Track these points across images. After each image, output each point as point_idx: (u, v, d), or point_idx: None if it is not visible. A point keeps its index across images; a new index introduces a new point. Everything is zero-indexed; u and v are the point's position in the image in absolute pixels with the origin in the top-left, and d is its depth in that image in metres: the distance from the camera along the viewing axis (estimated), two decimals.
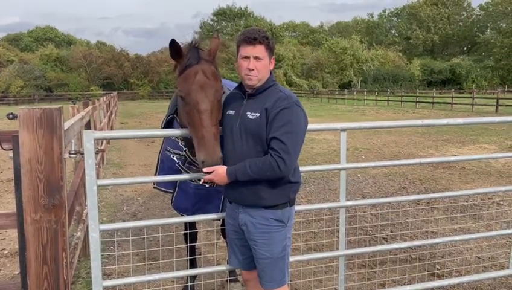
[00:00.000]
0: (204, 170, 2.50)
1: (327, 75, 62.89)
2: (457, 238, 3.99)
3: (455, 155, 10.76)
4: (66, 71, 57.50)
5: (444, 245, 4.87)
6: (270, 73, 2.58)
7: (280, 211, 2.57)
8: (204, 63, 2.61)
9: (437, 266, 4.41)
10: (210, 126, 2.51)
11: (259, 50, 2.46)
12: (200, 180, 3.04)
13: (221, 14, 73.51)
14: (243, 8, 73.88)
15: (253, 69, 2.46)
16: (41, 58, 58.29)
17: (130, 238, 3.75)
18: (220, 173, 2.51)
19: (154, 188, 3.68)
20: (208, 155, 2.48)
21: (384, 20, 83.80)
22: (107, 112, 15.00)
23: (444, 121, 3.59)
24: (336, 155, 11.01)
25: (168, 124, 3.30)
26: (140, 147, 13.18)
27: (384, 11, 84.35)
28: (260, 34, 2.47)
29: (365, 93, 43.79)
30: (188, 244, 3.61)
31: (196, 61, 2.59)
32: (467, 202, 6.54)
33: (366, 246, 4.77)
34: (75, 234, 3.99)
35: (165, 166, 3.46)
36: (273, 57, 2.58)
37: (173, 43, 2.58)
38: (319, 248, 4.85)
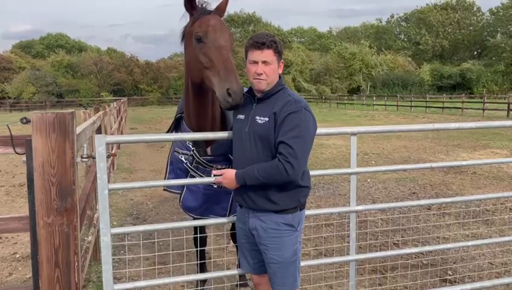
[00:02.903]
0: (214, 172, 2.52)
1: (336, 80, 62.76)
2: (469, 243, 3.93)
3: (466, 160, 10.64)
4: (77, 77, 58.06)
5: (456, 251, 4.82)
6: (280, 77, 2.59)
7: (290, 216, 2.56)
8: (215, 14, 2.93)
9: (449, 272, 4.36)
10: (229, 60, 2.66)
11: (267, 54, 2.48)
12: (210, 174, 3.10)
13: (230, 20, 73.91)
14: (251, 14, 74.23)
15: (261, 73, 2.47)
16: (52, 65, 58.96)
17: (141, 242, 3.77)
18: (228, 176, 2.53)
19: (164, 190, 3.71)
20: (233, 82, 2.57)
21: (393, 25, 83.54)
22: (117, 117, 15.13)
23: (455, 125, 3.56)
24: (345, 160, 10.97)
25: (177, 123, 3.44)
26: (150, 152, 13.25)
27: (392, 16, 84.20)
28: (268, 39, 2.48)
29: (374, 98, 43.59)
30: (198, 249, 3.62)
31: (208, 12, 2.91)
32: (478, 207, 6.46)
33: (376, 251, 4.73)
34: (86, 238, 4.02)
35: (174, 167, 3.50)
36: (282, 60, 2.59)
37: None
38: (329, 253, 4.82)
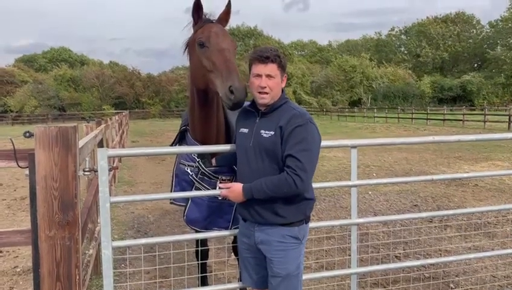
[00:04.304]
0: (221, 185, 2.54)
1: (337, 93, 62.96)
2: (471, 256, 3.92)
3: (467, 172, 10.62)
4: (79, 91, 58.29)
5: (458, 263, 4.79)
6: (282, 90, 2.62)
7: (297, 229, 2.57)
8: (217, 23, 3.05)
9: (451, 285, 4.33)
10: (231, 60, 2.72)
11: (271, 68, 2.51)
12: (215, 186, 3.12)
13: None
14: (252, 28, 74.70)
15: (265, 87, 2.50)
16: (55, 79, 59.19)
17: (142, 255, 3.76)
18: (235, 190, 2.53)
19: (171, 203, 3.71)
20: (235, 80, 2.62)
21: (393, 38, 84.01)
22: (119, 130, 15.16)
23: (456, 137, 3.57)
24: (346, 173, 10.95)
25: (181, 135, 3.47)
26: (151, 165, 13.26)
27: (392, 29, 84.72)
28: (272, 53, 2.52)
29: (375, 110, 43.66)
30: (199, 262, 3.61)
31: (210, 22, 3.04)
32: (480, 219, 6.44)
33: (378, 264, 4.71)
34: (87, 251, 4.01)
35: (179, 180, 3.50)
36: (285, 74, 2.63)
37: (197, 1, 2.96)
38: (331, 266, 4.80)
